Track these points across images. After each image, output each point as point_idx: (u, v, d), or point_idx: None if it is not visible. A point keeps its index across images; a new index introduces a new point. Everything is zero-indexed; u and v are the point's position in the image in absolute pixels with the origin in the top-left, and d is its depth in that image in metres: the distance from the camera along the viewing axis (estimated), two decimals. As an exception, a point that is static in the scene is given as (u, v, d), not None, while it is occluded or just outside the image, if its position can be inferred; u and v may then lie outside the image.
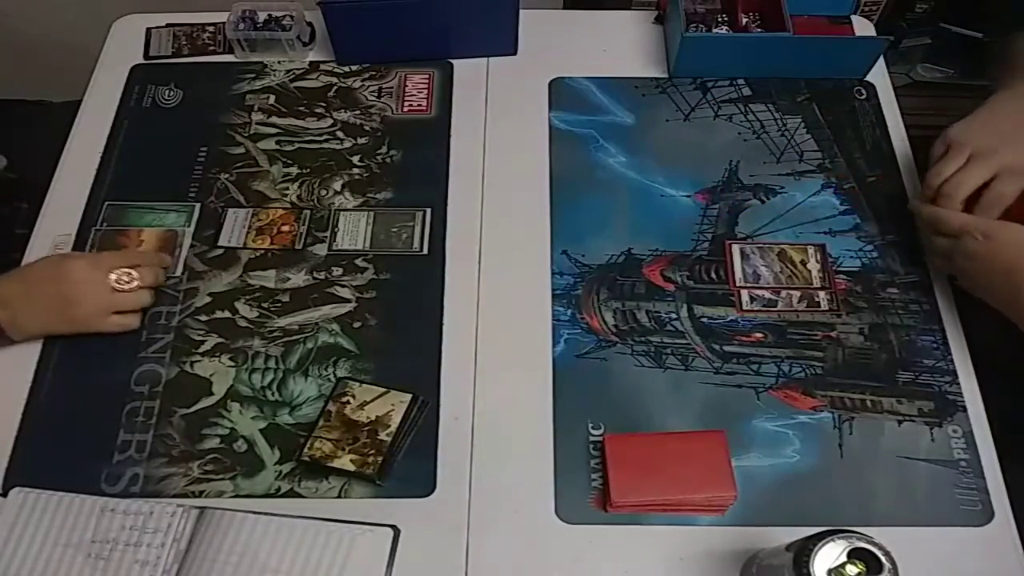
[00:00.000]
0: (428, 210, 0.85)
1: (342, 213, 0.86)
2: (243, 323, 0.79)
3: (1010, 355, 0.68)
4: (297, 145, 0.91)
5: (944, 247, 0.73)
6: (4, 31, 1.63)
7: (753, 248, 0.83)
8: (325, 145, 0.91)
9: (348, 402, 0.73)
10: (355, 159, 0.89)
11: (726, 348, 0.77)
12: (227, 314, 0.79)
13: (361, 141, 0.91)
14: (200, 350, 0.77)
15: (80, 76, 0.97)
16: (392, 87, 0.95)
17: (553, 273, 0.81)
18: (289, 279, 0.82)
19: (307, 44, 0.97)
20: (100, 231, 0.84)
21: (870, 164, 0.87)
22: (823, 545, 0.53)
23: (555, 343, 0.78)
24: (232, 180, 0.88)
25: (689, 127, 0.91)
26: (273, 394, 0.75)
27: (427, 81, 0.95)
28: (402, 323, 0.79)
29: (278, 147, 0.90)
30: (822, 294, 0.80)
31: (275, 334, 0.78)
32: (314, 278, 0.82)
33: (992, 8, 0.86)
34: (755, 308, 0.79)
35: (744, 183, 0.87)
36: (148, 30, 1.00)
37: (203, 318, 0.79)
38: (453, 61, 0.97)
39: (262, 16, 0.96)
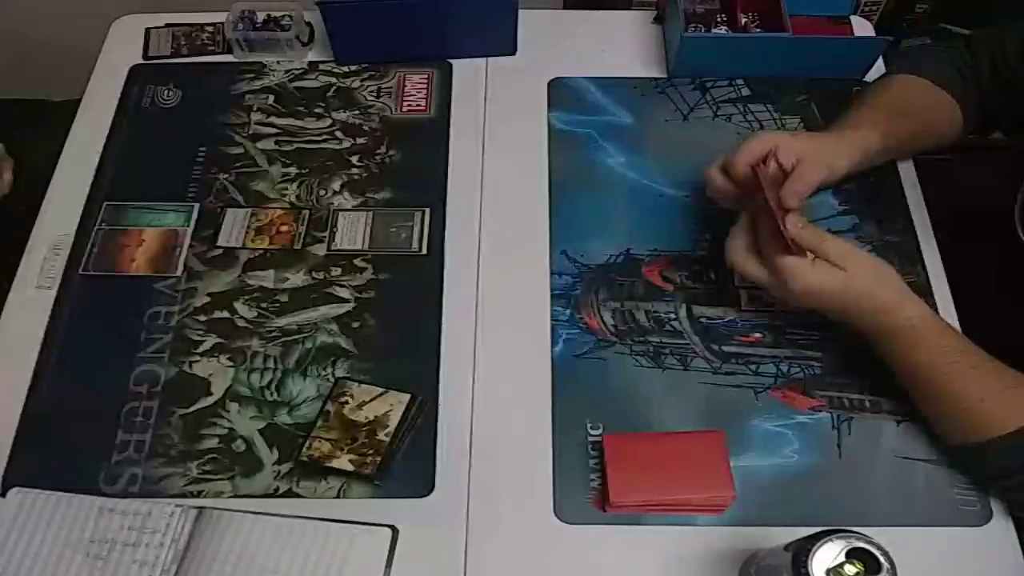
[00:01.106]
0: (427, 210, 0.85)
1: (341, 213, 0.86)
2: (242, 323, 0.79)
3: (1007, 356, 0.68)
4: (296, 145, 0.91)
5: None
6: (4, 31, 1.63)
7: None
8: (324, 145, 0.91)
9: (347, 402, 0.73)
10: (354, 159, 0.89)
11: (725, 348, 0.77)
12: (226, 314, 0.79)
13: (360, 141, 0.91)
14: (199, 350, 0.77)
15: (80, 76, 0.97)
16: (391, 87, 0.95)
17: (552, 273, 0.81)
18: (288, 279, 0.82)
19: (306, 44, 0.97)
20: (100, 231, 0.84)
21: (869, 164, 0.87)
22: (821, 545, 0.53)
23: (554, 343, 0.78)
24: (231, 180, 0.88)
25: (688, 127, 0.91)
26: (272, 394, 0.75)
27: (426, 81, 0.95)
28: (401, 323, 0.79)
29: (277, 147, 0.90)
30: (821, 294, 0.80)
31: (274, 334, 0.78)
32: (313, 278, 0.82)
33: (991, 8, 0.86)
34: (754, 308, 0.79)
35: (743, 183, 0.87)
36: (147, 30, 1.00)
37: (202, 318, 0.79)
38: (452, 61, 0.96)
39: (261, 16, 0.96)
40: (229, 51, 0.97)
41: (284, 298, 0.80)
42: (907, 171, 0.88)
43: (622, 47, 0.98)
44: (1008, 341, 0.72)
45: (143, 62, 0.98)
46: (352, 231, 0.84)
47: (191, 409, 0.75)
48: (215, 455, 0.72)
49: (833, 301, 0.68)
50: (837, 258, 0.67)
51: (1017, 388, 0.65)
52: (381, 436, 0.71)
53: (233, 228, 0.85)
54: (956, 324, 0.78)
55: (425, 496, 0.70)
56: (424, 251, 0.83)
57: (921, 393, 0.69)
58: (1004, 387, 0.65)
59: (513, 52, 0.97)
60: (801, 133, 0.80)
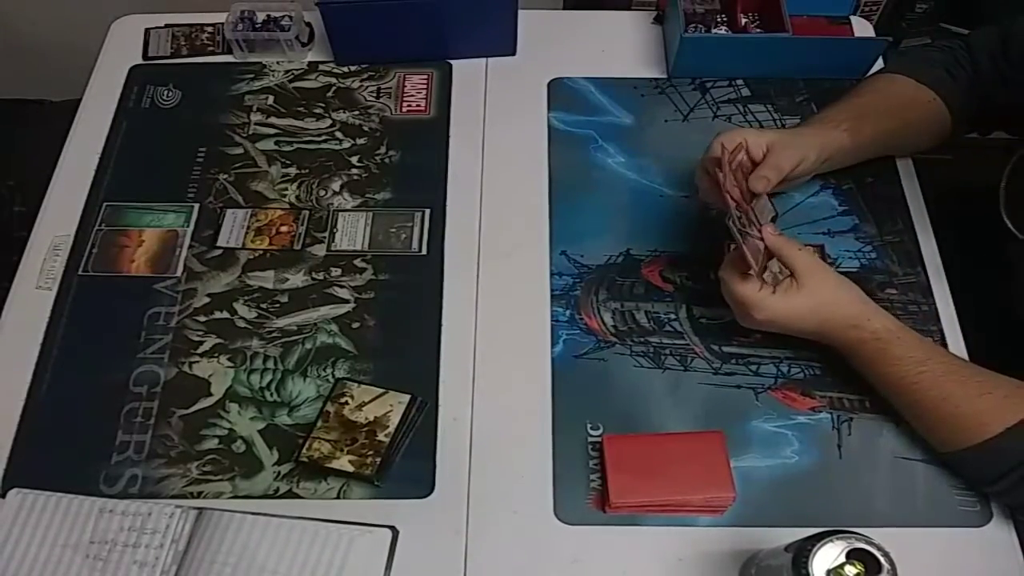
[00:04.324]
0: (427, 210, 0.85)
1: (341, 213, 0.86)
2: (242, 324, 0.79)
3: (1006, 356, 0.68)
4: (296, 145, 0.91)
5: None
6: (4, 31, 1.63)
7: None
8: (324, 145, 0.91)
9: (346, 403, 0.73)
10: (354, 159, 0.89)
11: (725, 348, 0.77)
12: (226, 315, 0.79)
13: (360, 141, 0.91)
14: (199, 351, 0.77)
15: (80, 76, 0.97)
16: (391, 87, 0.95)
17: (552, 274, 0.81)
18: (288, 280, 0.82)
19: (306, 44, 0.97)
20: (100, 231, 0.84)
21: (868, 165, 0.87)
22: (822, 546, 0.53)
23: (554, 343, 0.78)
24: (231, 180, 0.88)
25: (688, 127, 0.91)
26: (272, 395, 0.75)
27: (426, 81, 0.95)
28: (401, 324, 0.79)
29: (277, 147, 0.90)
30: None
31: (274, 335, 0.78)
32: (313, 279, 0.82)
33: (991, 8, 0.86)
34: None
35: (743, 183, 0.87)
36: (147, 30, 1.00)
37: (202, 319, 0.79)
38: (452, 61, 0.96)
39: (261, 16, 0.96)
40: (229, 51, 0.97)
41: (284, 299, 0.80)
42: (907, 171, 0.88)
43: (622, 47, 0.98)
44: (1008, 340, 0.72)
45: (143, 62, 0.98)
46: (352, 231, 0.84)
47: (191, 410, 0.74)
48: (215, 456, 0.72)
49: (803, 323, 0.69)
50: (801, 272, 0.67)
51: (992, 393, 0.65)
52: (381, 437, 0.71)
53: (233, 229, 0.85)
54: (956, 324, 0.78)
55: (425, 497, 0.70)
56: (424, 251, 0.83)
57: (900, 404, 0.70)
58: (978, 393, 0.65)
59: (513, 52, 0.97)
60: (769, 129, 0.82)
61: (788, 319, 0.69)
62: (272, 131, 0.92)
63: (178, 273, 0.82)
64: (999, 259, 0.81)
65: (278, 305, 0.80)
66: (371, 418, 0.72)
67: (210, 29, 1.00)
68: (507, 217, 0.85)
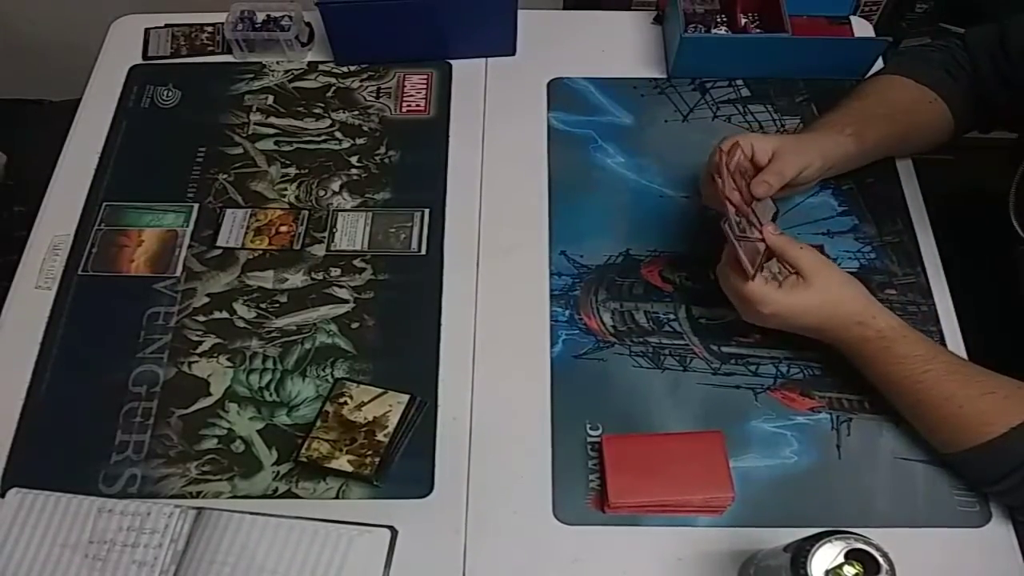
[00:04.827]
0: (426, 210, 0.85)
1: (340, 213, 0.86)
2: (241, 324, 0.79)
3: (1005, 356, 0.68)
4: (295, 145, 0.91)
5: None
6: (4, 31, 1.63)
7: (751, 249, 0.82)
8: (323, 145, 0.91)
9: (345, 403, 0.73)
10: (353, 159, 0.89)
11: (724, 349, 0.77)
12: (225, 315, 0.79)
13: (359, 141, 0.91)
14: (198, 351, 0.77)
15: (80, 76, 0.97)
16: (391, 87, 0.95)
17: (551, 274, 0.81)
18: (287, 280, 0.82)
19: (305, 44, 0.97)
20: (99, 231, 0.84)
21: (868, 165, 0.87)
22: (821, 546, 0.53)
23: (553, 344, 0.78)
24: (230, 180, 0.88)
25: (688, 128, 0.91)
26: (271, 395, 0.75)
27: (426, 81, 0.95)
28: (400, 324, 0.79)
29: (276, 147, 0.90)
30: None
31: (273, 335, 0.78)
32: (312, 279, 0.82)
33: (991, 7, 0.86)
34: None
35: (743, 184, 0.87)
36: (147, 30, 1.00)
37: (201, 319, 0.79)
38: (452, 61, 0.96)
39: (260, 16, 0.96)
40: (228, 51, 0.97)
41: (283, 299, 0.80)
42: (906, 171, 0.88)
43: (622, 47, 0.98)
44: (1008, 341, 0.72)
45: (143, 62, 0.98)
46: (351, 231, 0.84)
47: (190, 410, 0.74)
48: (214, 456, 0.72)
49: (808, 318, 0.69)
50: (808, 270, 0.67)
51: (995, 393, 0.65)
52: (380, 437, 0.71)
53: (232, 228, 0.85)
54: (955, 325, 0.78)
55: (424, 497, 0.70)
56: (423, 251, 0.83)
57: (902, 404, 0.69)
58: (981, 393, 0.65)
59: (513, 52, 0.97)
60: (776, 134, 0.82)
61: (793, 314, 0.68)
62: (272, 131, 0.92)
63: (177, 273, 0.82)
64: (1004, 261, 0.81)
65: (277, 305, 0.80)
66: (370, 418, 0.72)
67: (210, 29, 1.00)
68: (507, 217, 0.85)
